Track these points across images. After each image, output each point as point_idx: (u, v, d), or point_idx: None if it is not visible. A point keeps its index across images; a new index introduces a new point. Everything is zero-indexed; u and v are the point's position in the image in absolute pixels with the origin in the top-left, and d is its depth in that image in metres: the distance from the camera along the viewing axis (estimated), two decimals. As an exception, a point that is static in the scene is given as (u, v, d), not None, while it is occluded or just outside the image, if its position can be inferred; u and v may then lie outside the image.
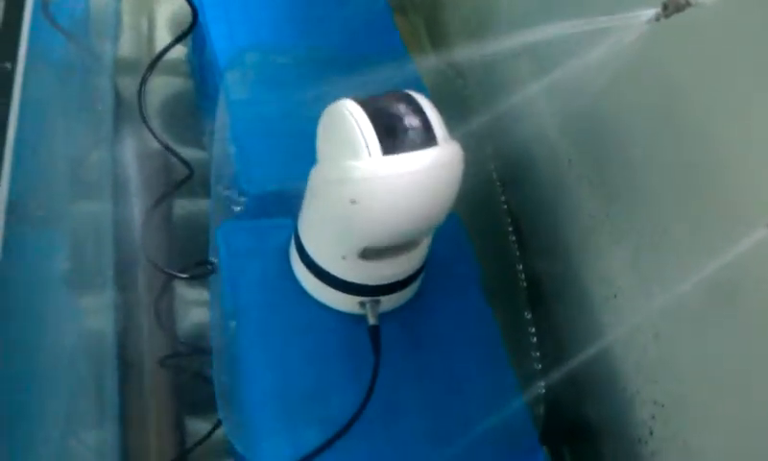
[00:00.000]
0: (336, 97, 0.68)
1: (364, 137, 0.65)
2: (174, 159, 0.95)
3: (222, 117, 0.87)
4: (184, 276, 0.74)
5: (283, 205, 0.79)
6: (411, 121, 0.66)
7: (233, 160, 0.83)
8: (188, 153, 0.97)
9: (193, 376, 0.81)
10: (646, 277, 0.70)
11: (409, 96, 0.68)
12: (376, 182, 0.64)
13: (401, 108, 0.66)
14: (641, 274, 0.71)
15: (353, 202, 0.65)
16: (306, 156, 0.71)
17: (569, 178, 0.79)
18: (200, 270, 0.73)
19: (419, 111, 0.66)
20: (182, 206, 0.92)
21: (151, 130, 0.61)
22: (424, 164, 0.65)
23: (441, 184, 0.66)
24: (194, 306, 0.87)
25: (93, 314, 0.74)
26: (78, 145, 0.75)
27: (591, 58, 0.55)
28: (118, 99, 0.93)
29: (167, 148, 0.62)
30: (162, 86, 1.02)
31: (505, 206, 0.87)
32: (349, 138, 0.65)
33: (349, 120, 0.66)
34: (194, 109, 1.01)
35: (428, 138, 0.66)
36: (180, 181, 0.65)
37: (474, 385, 0.75)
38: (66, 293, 0.69)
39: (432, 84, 0.81)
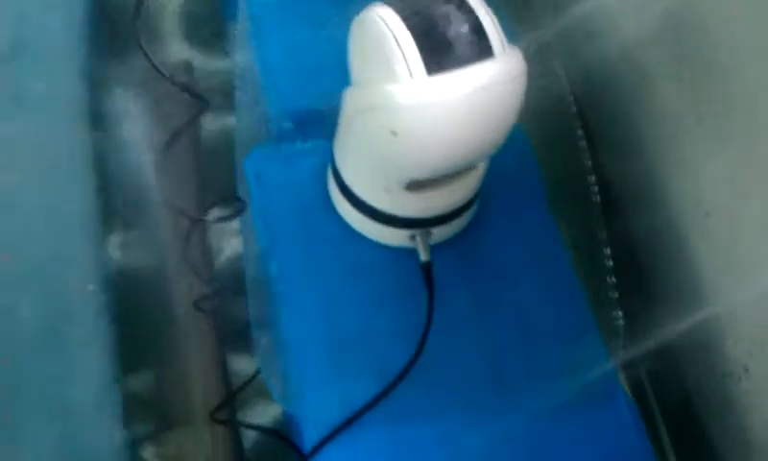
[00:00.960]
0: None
1: (403, 54, 0.54)
2: (198, 71, 0.86)
3: (243, 23, 0.77)
4: (210, 220, 0.66)
5: (318, 124, 0.70)
6: (460, 28, 0.55)
7: (257, 74, 0.74)
8: (214, 63, 0.89)
9: (232, 317, 0.75)
10: (744, 194, 0.62)
11: (456, -6, 0.56)
12: (421, 111, 0.54)
13: (447, 11, 0.56)
14: (738, 190, 0.62)
15: (394, 133, 0.55)
16: (343, 66, 0.61)
17: (652, 73, 0.68)
18: (227, 210, 0.65)
19: (469, 14, 0.55)
20: (209, 124, 0.83)
21: (146, 54, 0.51)
22: (479, 83, 0.54)
23: (499, 105, 0.56)
24: (229, 236, 0.80)
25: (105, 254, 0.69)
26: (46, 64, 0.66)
27: None
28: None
29: (170, 80, 0.52)
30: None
31: (574, 109, 0.76)
32: (385, 56, 0.55)
33: (384, 33, 0.55)
34: (218, 12, 0.91)
35: (482, 49, 0.55)
36: (192, 116, 0.56)
37: (543, 320, 0.68)
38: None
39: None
